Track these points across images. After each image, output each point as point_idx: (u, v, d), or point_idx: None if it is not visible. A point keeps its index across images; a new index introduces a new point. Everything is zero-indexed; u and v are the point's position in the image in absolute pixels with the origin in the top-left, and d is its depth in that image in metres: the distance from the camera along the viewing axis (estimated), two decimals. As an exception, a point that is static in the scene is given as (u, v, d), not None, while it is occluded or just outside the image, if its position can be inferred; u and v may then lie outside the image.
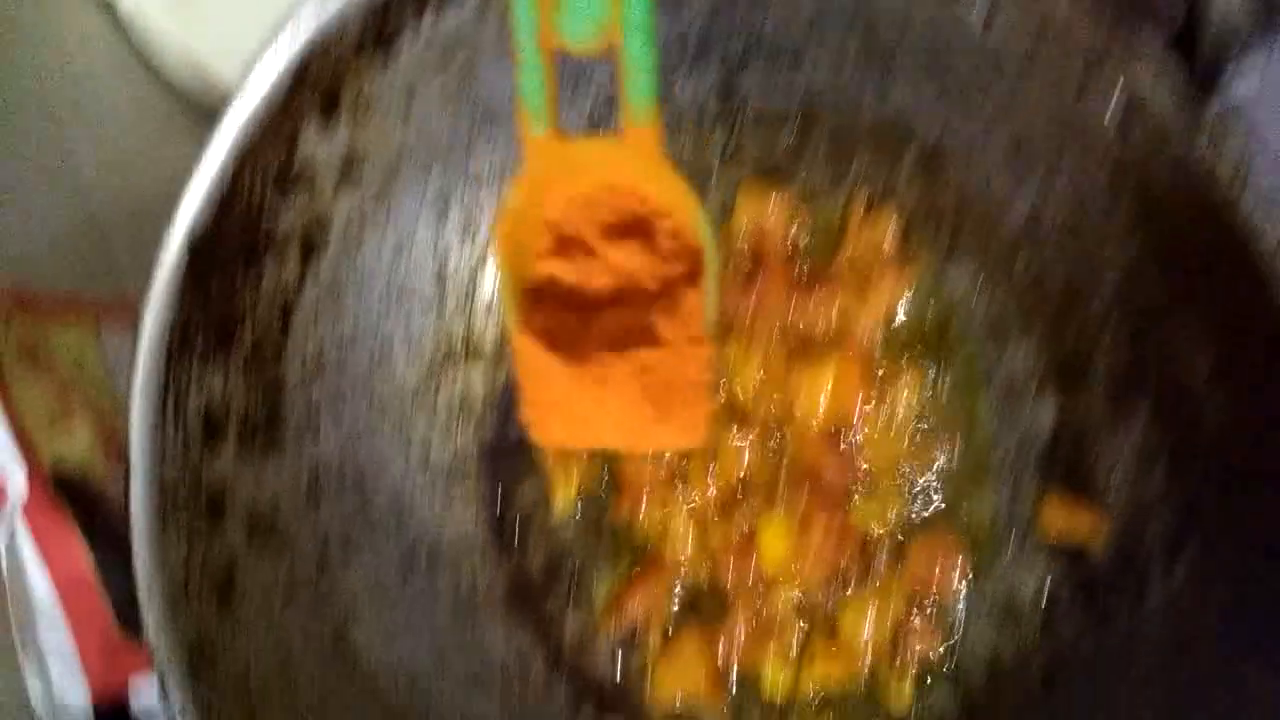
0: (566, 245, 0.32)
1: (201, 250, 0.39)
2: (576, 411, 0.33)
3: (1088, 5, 0.33)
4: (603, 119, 0.46)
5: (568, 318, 0.33)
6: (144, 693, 0.52)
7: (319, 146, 0.41)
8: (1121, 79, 0.33)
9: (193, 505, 0.43)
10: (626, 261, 0.32)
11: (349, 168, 0.43)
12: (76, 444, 0.55)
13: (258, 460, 0.45)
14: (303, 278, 0.44)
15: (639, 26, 0.25)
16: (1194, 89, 0.32)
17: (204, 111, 0.61)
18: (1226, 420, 0.35)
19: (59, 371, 0.57)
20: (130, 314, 0.59)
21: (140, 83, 0.63)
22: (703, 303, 0.31)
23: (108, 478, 0.55)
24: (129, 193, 0.63)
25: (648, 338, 0.32)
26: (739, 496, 0.48)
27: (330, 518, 0.48)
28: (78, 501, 0.53)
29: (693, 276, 0.32)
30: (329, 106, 0.41)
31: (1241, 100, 0.35)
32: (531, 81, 0.27)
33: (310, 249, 0.43)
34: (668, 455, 0.49)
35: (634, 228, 0.32)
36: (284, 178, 0.42)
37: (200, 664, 0.42)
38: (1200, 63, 0.34)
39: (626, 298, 0.32)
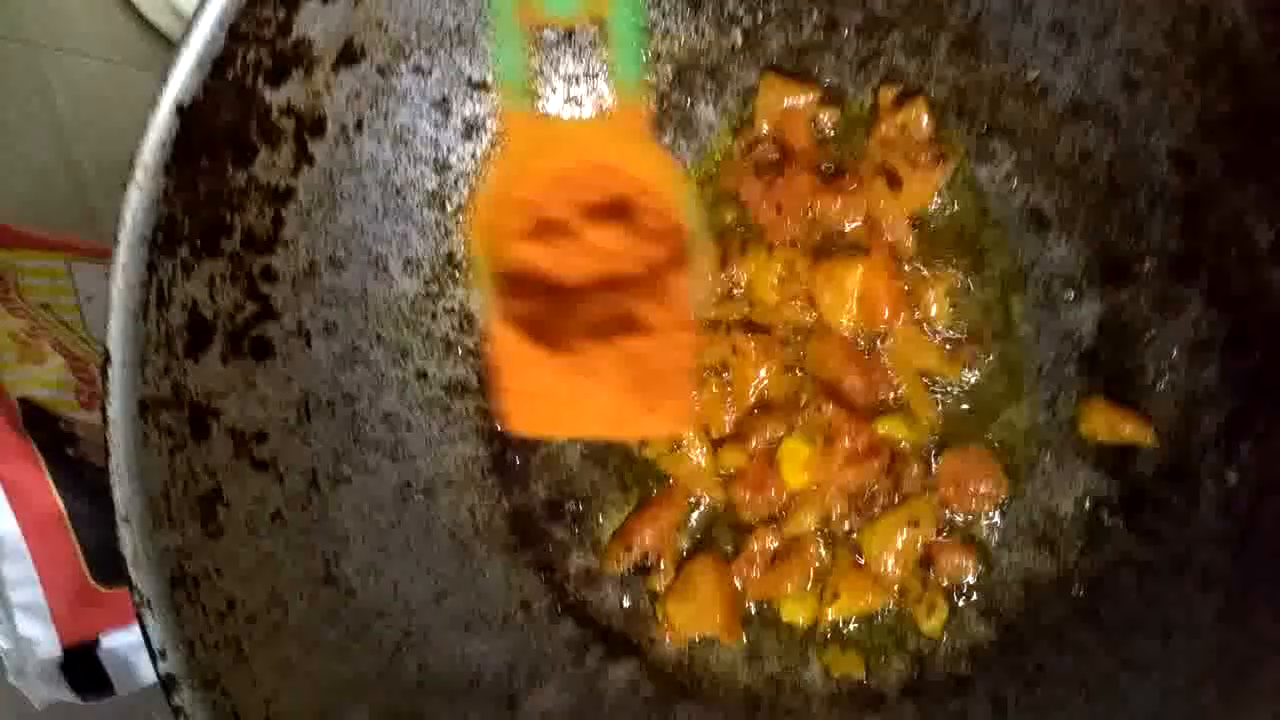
0: (546, 228, 0.31)
1: (190, 120, 0.36)
2: (559, 401, 0.31)
3: None
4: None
5: (548, 305, 0.31)
6: (115, 637, 0.49)
7: (318, 19, 0.38)
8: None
9: (176, 419, 0.40)
10: (609, 244, 0.31)
11: (349, 46, 0.40)
12: (45, 381, 0.52)
13: (246, 370, 0.42)
14: (297, 166, 0.41)
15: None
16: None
17: (172, 41, 0.59)
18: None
19: (29, 306, 0.54)
20: (102, 252, 0.57)
21: (119, 21, 0.62)
22: (689, 286, 0.30)
23: (79, 414, 0.52)
24: (106, 137, 0.61)
25: (632, 325, 0.30)
26: (757, 414, 0.46)
27: (321, 438, 0.45)
28: (47, 439, 0.50)
29: (678, 259, 0.31)
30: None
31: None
32: (511, 57, 0.25)
33: (306, 132, 0.41)
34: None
35: (617, 208, 0.30)
36: (280, 49, 0.39)
37: (182, 595, 0.38)
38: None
39: (609, 283, 0.31)
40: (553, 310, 0.31)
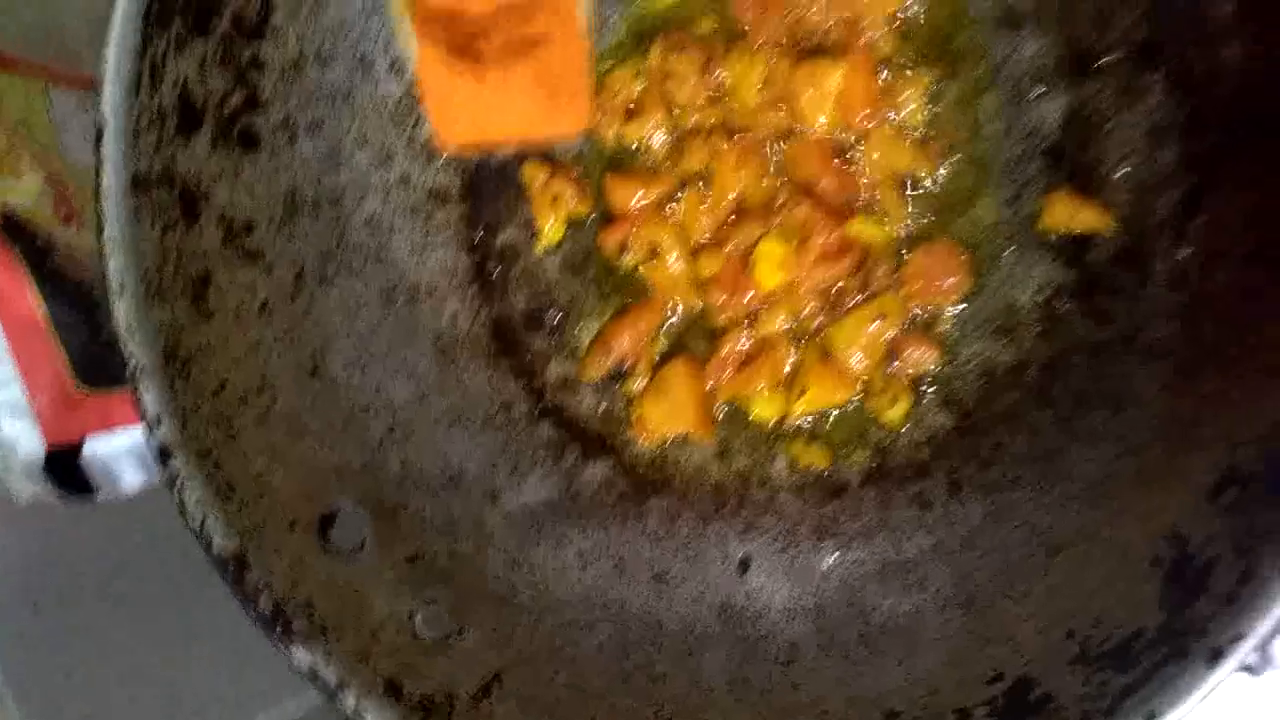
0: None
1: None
2: (479, 111, 0.36)
3: None
4: None
5: (462, 32, 0.35)
6: (98, 443, 0.50)
7: None
8: None
9: (167, 198, 0.40)
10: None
11: None
12: (24, 192, 0.52)
13: (234, 158, 0.43)
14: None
15: None
16: None
17: None
18: (1245, 65, 0.35)
19: (5, 122, 0.54)
20: (80, 83, 0.57)
21: None
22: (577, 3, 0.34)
23: (57, 228, 0.52)
24: None
25: (533, 40, 0.35)
26: (734, 217, 0.47)
27: (307, 237, 0.46)
28: (27, 249, 0.50)
29: None
30: None
31: None
32: None
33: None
34: (661, 183, 0.47)
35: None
36: None
37: (173, 371, 0.39)
38: None
39: (510, 7, 0.34)
40: (466, 35, 0.35)
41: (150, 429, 0.38)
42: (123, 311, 0.39)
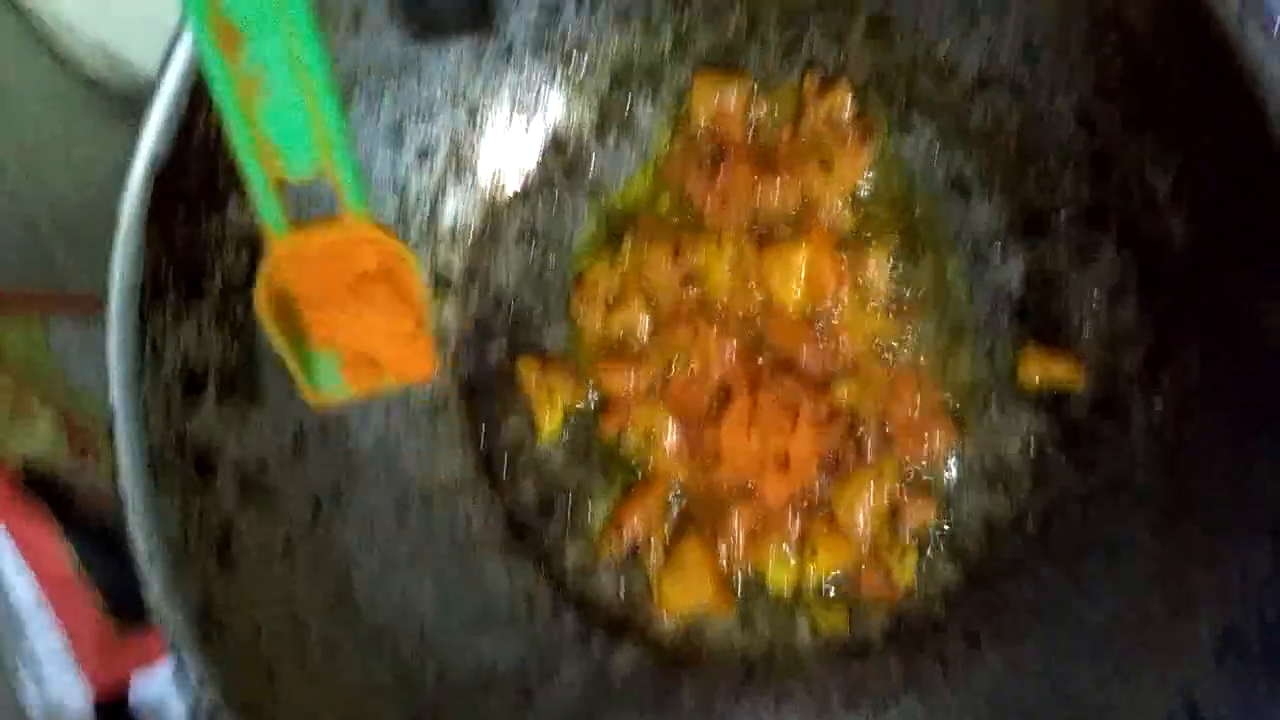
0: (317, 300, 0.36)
1: (165, 181, 0.39)
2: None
3: None
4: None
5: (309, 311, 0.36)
6: (143, 685, 0.51)
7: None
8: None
9: (181, 464, 0.42)
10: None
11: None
12: (39, 438, 0.54)
13: (240, 412, 0.44)
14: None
15: (345, 162, 0.30)
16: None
17: (116, 97, 0.61)
18: (1189, 237, 0.36)
19: (10, 368, 0.56)
20: (75, 306, 0.59)
21: (51, 74, 0.63)
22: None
23: (77, 468, 0.54)
24: (57, 188, 0.62)
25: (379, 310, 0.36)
26: (723, 394, 0.49)
27: (318, 467, 0.47)
28: (50, 497, 0.52)
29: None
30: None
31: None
32: (267, 206, 0.31)
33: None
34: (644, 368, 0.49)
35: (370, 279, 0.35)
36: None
37: (210, 629, 0.41)
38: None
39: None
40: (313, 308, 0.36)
41: (196, 695, 0.40)
42: (155, 585, 0.40)
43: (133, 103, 0.59)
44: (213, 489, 0.43)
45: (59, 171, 0.63)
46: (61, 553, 0.50)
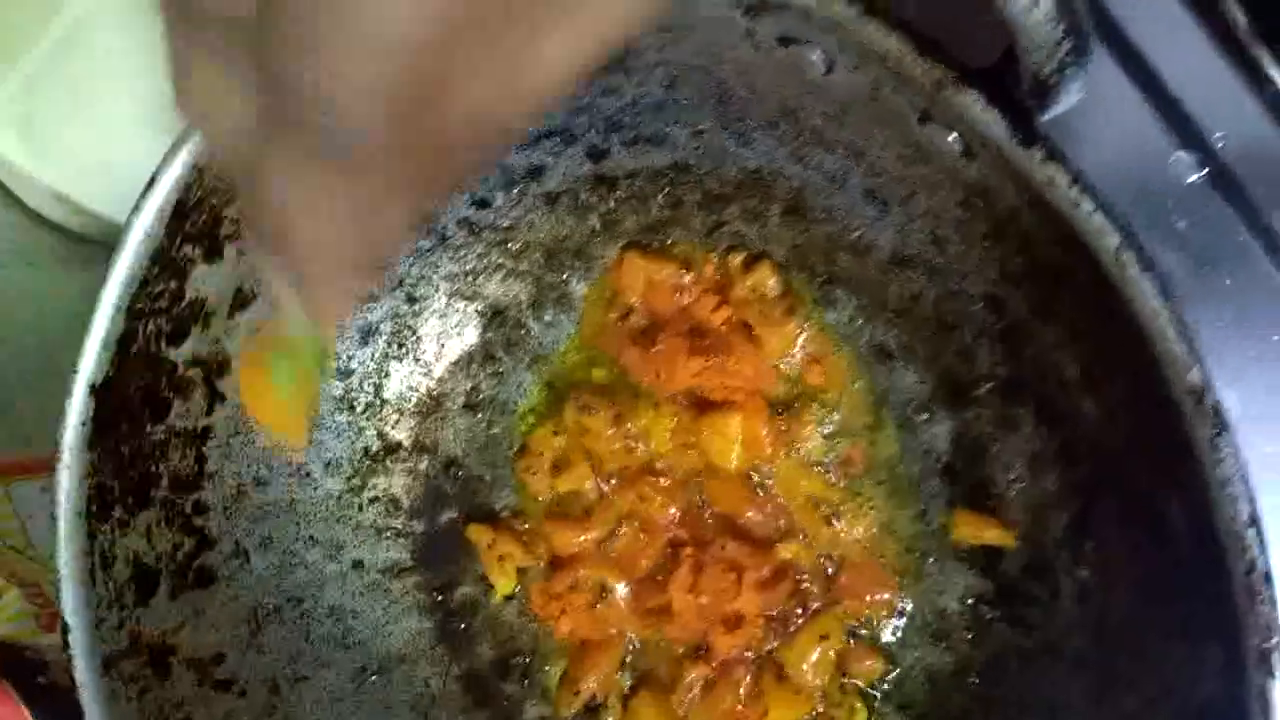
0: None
1: (105, 396, 0.40)
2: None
3: (914, 45, 0.35)
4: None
5: None
6: None
7: (207, 279, 0.42)
8: (958, 108, 0.35)
9: (137, 663, 0.43)
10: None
11: (239, 294, 0.43)
12: (6, 612, 0.54)
13: (193, 602, 0.45)
14: (210, 407, 0.44)
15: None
16: (1025, 108, 0.35)
17: (74, 238, 0.61)
18: (1101, 417, 0.37)
19: (-24, 540, 0.56)
20: (36, 467, 0.59)
21: (11, 221, 0.61)
22: None
23: (43, 641, 0.54)
24: (16, 340, 0.61)
25: None
26: (670, 553, 0.50)
27: (275, 645, 0.48)
28: (18, 673, 0.52)
29: None
30: (212, 237, 0.42)
31: (1067, 113, 0.37)
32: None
33: (213, 376, 0.44)
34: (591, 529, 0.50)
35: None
36: (178, 313, 0.42)
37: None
38: (1026, 85, 0.36)
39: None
40: None
41: None
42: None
43: (95, 245, 0.60)
44: (169, 685, 0.44)
45: (19, 319, 0.62)
46: (26, 729, 0.51)
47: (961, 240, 0.39)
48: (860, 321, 0.47)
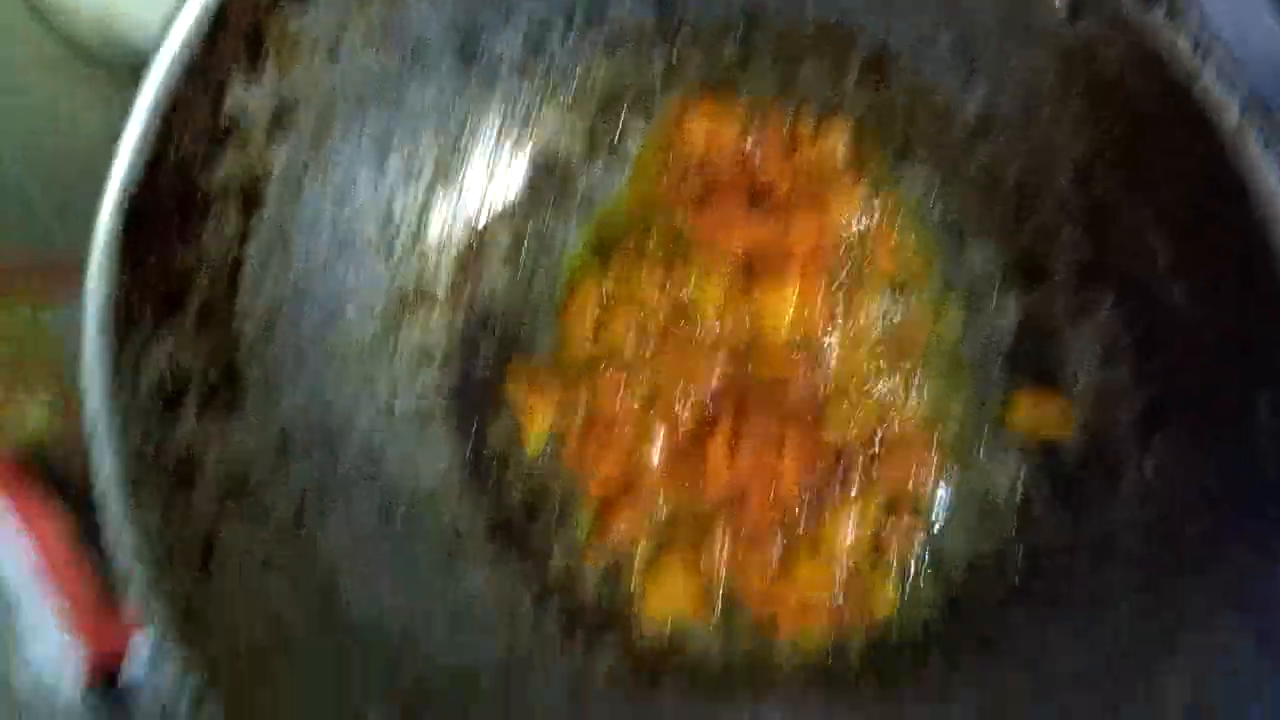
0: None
1: (136, 212, 0.38)
2: None
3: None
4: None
5: None
6: (137, 662, 0.53)
7: (247, 94, 0.40)
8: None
9: (161, 475, 0.42)
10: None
11: (280, 114, 0.41)
12: (34, 413, 0.55)
13: (221, 423, 0.45)
14: (244, 234, 0.43)
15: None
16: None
17: (110, 67, 0.60)
18: (1189, 308, 0.35)
19: (10, 349, 0.56)
20: (65, 277, 0.58)
21: (41, 43, 0.62)
22: None
23: (76, 444, 0.55)
24: (45, 155, 0.62)
25: None
26: (711, 415, 0.48)
27: (302, 474, 0.47)
28: (51, 473, 0.53)
29: None
30: (253, 50, 0.40)
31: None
32: None
33: (249, 203, 0.42)
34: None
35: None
36: (214, 129, 0.41)
37: (193, 633, 0.41)
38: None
39: None
40: None
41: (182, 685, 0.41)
42: (135, 593, 0.41)
43: (128, 74, 0.58)
44: (193, 498, 0.43)
45: (49, 140, 0.62)
46: (61, 529, 0.51)
47: (1055, 107, 0.36)
48: (934, 193, 0.44)
